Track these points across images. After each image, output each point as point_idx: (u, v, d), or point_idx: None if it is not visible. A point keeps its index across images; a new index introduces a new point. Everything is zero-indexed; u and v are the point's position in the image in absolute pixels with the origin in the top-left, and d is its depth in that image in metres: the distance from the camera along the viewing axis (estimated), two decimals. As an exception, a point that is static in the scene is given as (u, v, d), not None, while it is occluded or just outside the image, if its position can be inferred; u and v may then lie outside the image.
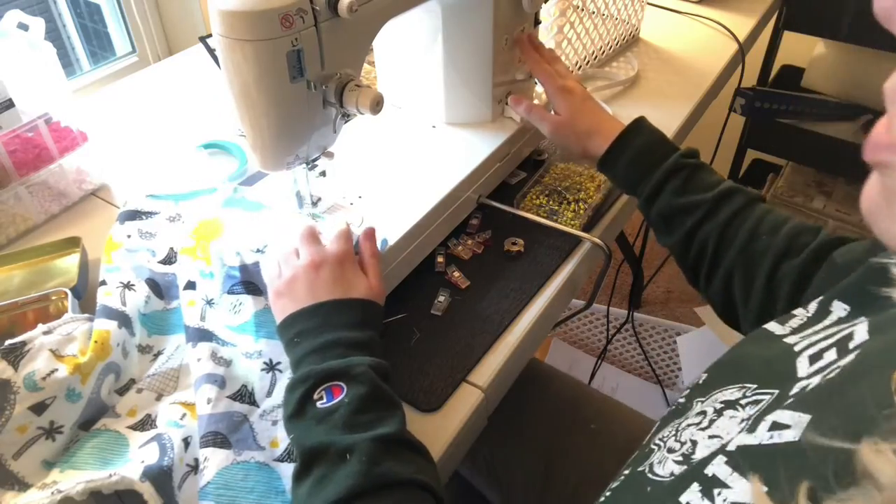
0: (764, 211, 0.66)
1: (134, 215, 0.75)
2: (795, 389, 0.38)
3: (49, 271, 0.71)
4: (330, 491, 0.45)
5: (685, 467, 0.39)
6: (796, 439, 0.33)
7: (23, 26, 0.78)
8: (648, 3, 1.18)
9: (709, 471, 0.35)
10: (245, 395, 0.58)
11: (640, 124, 0.73)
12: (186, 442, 0.54)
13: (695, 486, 0.35)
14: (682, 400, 0.49)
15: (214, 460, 0.52)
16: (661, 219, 0.70)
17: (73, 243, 0.72)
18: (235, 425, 0.55)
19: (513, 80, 0.81)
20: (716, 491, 0.34)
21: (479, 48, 0.75)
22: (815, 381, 0.37)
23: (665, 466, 0.42)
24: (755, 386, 0.43)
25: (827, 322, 0.44)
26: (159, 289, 0.67)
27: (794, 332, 0.45)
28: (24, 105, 0.76)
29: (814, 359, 0.41)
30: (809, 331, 0.44)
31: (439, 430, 0.58)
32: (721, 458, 0.35)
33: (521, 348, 0.66)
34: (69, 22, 1.25)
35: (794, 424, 0.34)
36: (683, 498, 0.35)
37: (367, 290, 0.59)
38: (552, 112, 0.79)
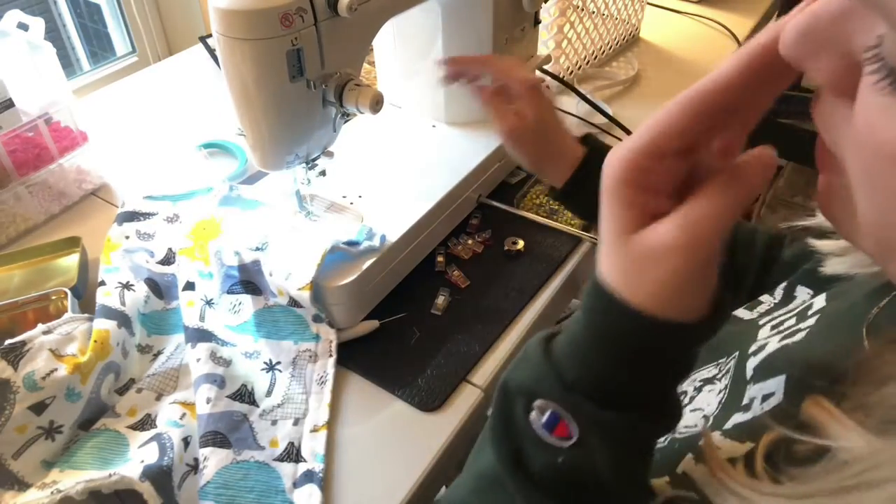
0: None
1: (132, 216, 0.75)
2: (754, 348, 0.41)
3: (49, 271, 0.71)
4: None
5: (668, 436, 0.41)
6: (780, 401, 0.35)
7: (23, 26, 0.78)
8: (648, 3, 1.18)
9: (702, 442, 0.36)
10: (245, 395, 0.57)
11: (596, 146, 0.64)
12: (186, 441, 0.54)
13: (689, 456, 0.37)
14: None
15: (214, 460, 0.52)
16: None
17: (73, 243, 0.72)
18: (235, 425, 0.55)
19: (513, 79, 0.81)
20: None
21: (479, 48, 0.75)
22: (774, 340, 0.39)
23: None
24: (724, 359, 0.45)
25: (792, 305, 0.45)
26: (159, 289, 0.67)
27: (762, 315, 0.47)
28: (24, 105, 0.76)
29: (774, 326, 0.43)
30: (776, 313, 0.46)
31: (439, 429, 0.58)
32: (717, 433, 0.37)
33: (521, 348, 0.66)
34: (69, 22, 1.25)
35: (776, 390, 0.36)
36: (680, 468, 0.37)
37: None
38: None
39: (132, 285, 0.65)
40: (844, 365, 0.30)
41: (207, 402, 0.55)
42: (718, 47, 1.17)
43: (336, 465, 0.56)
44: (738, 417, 0.37)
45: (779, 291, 0.49)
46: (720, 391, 0.42)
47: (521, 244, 0.75)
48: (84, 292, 0.69)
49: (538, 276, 0.72)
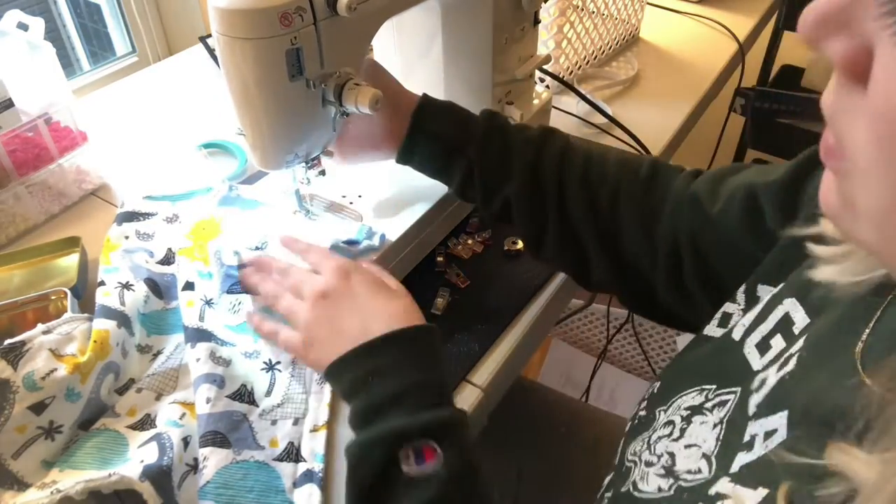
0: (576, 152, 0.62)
1: (131, 217, 0.75)
2: (756, 383, 0.39)
3: (49, 271, 0.71)
4: None
5: (671, 480, 0.40)
6: (784, 438, 0.34)
7: (23, 26, 0.78)
8: (648, 3, 1.18)
9: (712, 491, 0.36)
10: (244, 395, 0.57)
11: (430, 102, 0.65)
12: (186, 441, 0.54)
13: None
14: (642, 413, 0.49)
15: (214, 459, 0.52)
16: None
17: (72, 243, 0.72)
18: (235, 424, 0.55)
19: (513, 79, 0.81)
20: (718, 503, 0.34)
21: (479, 48, 0.75)
22: (772, 372, 0.38)
23: (649, 482, 0.42)
24: (714, 387, 0.43)
25: (759, 308, 0.44)
26: (158, 289, 0.67)
27: (739, 332, 0.45)
28: (24, 105, 0.76)
29: (762, 348, 0.42)
30: (745, 319, 0.44)
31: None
32: (725, 479, 0.36)
33: (520, 348, 0.66)
34: (69, 22, 1.25)
35: (779, 427, 0.35)
36: None
37: (412, 302, 0.54)
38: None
39: (132, 285, 0.65)
40: (847, 401, 0.29)
41: (207, 402, 0.55)
42: (718, 47, 1.17)
43: (336, 465, 0.55)
44: (743, 458, 0.36)
45: (740, 296, 0.47)
46: (715, 425, 0.40)
47: (521, 244, 0.75)
48: (84, 292, 0.69)
49: (538, 276, 0.72)
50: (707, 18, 1.24)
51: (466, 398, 0.61)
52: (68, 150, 0.80)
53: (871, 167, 0.24)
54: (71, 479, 0.50)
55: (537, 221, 0.61)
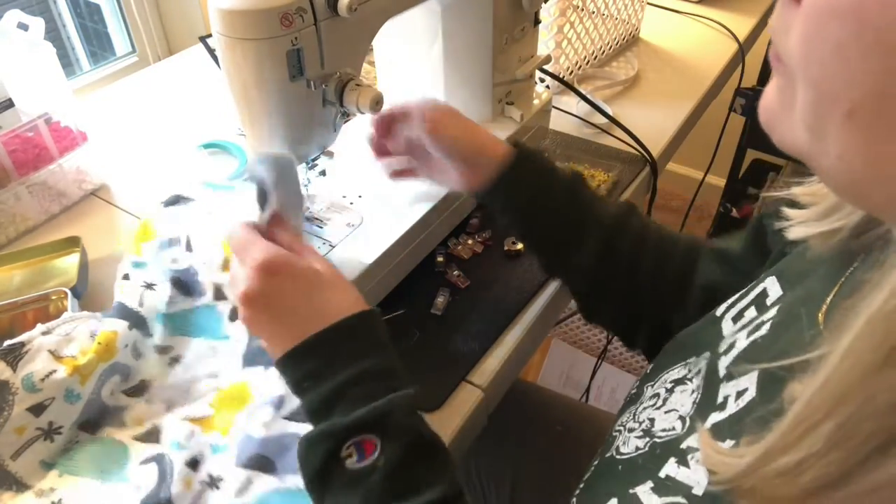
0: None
1: (176, 200, 0.73)
2: (724, 346, 0.42)
3: (49, 271, 0.71)
4: None
5: (647, 439, 0.42)
6: (754, 396, 0.36)
7: (23, 26, 0.78)
8: (648, 3, 1.18)
9: (684, 445, 0.38)
10: (300, 414, 0.56)
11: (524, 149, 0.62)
12: (195, 461, 0.53)
13: (672, 460, 0.38)
14: (633, 391, 0.52)
15: (258, 485, 0.52)
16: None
17: (72, 243, 0.72)
18: (284, 447, 0.54)
19: (513, 79, 0.81)
20: (689, 456, 0.37)
21: (479, 48, 0.75)
22: (742, 336, 0.41)
23: (629, 444, 0.44)
24: (694, 358, 0.45)
25: (742, 290, 0.47)
26: (186, 287, 0.64)
27: (725, 308, 0.48)
28: (24, 105, 0.76)
29: (736, 319, 0.44)
30: (733, 302, 0.47)
31: (439, 429, 0.58)
32: (695, 437, 0.38)
33: (521, 347, 0.66)
34: (69, 22, 1.25)
35: (749, 386, 0.37)
36: (663, 472, 0.38)
37: (348, 288, 0.49)
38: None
39: (154, 285, 0.63)
40: (806, 350, 0.31)
41: (264, 426, 0.54)
42: (718, 47, 1.17)
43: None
44: (715, 417, 0.38)
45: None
46: (693, 391, 0.42)
47: (521, 244, 0.75)
48: (84, 292, 0.69)
49: (538, 276, 0.72)
50: (707, 18, 1.24)
51: (466, 398, 0.61)
52: (68, 150, 0.80)
53: (799, 64, 0.28)
54: (69, 487, 0.50)
55: (600, 292, 0.62)
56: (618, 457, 0.44)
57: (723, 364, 0.41)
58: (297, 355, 0.46)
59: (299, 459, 0.44)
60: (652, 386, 0.48)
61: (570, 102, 0.97)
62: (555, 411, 0.85)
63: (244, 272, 0.47)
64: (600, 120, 0.94)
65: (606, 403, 1.56)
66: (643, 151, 0.88)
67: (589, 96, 0.94)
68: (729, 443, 0.35)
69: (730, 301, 0.47)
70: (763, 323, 0.40)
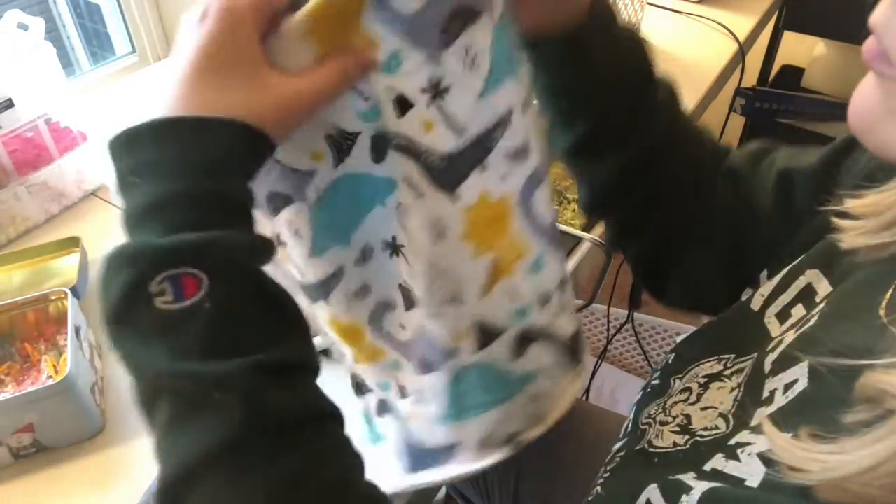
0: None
1: None
2: (771, 345, 0.40)
3: (49, 271, 0.71)
4: (190, 446, 0.30)
5: (687, 437, 0.41)
6: (805, 386, 0.34)
7: (23, 26, 0.78)
8: (648, 3, 1.18)
9: (732, 441, 0.37)
10: None
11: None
12: None
13: (719, 455, 0.36)
14: (655, 382, 0.50)
15: None
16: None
17: (73, 243, 0.72)
18: None
19: (513, 79, 0.81)
20: (739, 451, 0.35)
21: (479, 48, 0.75)
22: (790, 334, 0.39)
23: (663, 438, 0.43)
24: (733, 356, 0.44)
25: (777, 278, 0.45)
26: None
27: (764, 305, 0.46)
28: (24, 105, 0.76)
29: (782, 317, 0.42)
30: (763, 290, 0.45)
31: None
32: (745, 432, 0.37)
33: (521, 348, 0.66)
34: (69, 22, 1.25)
35: (799, 377, 0.35)
36: (708, 465, 0.37)
37: (268, 105, 0.35)
38: None
39: None
40: (872, 341, 0.30)
41: None
42: (718, 47, 1.17)
43: (336, 465, 0.56)
44: (763, 411, 0.37)
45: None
46: (733, 389, 0.41)
47: (521, 244, 0.75)
48: (84, 292, 0.69)
49: (538, 276, 0.72)
50: (707, 18, 1.24)
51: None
52: (68, 150, 0.80)
53: None
54: None
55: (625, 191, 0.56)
56: (651, 449, 0.43)
57: (769, 361, 0.40)
58: (138, 135, 0.35)
59: (101, 276, 0.33)
60: (680, 379, 0.47)
61: (570, 102, 0.97)
62: None
63: None
64: (600, 120, 0.94)
65: (606, 403, 1.56)
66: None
67: (589, 96, 0.94)
68: (786, 435, 0.33)
69: (766, 293, 0.45)
70: (812, 317, 0.39)
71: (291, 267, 0.45)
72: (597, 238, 0.76)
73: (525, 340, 0.46)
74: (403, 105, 0.38)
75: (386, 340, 0.47)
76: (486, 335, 0.45)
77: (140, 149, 0.35)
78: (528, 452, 0.79)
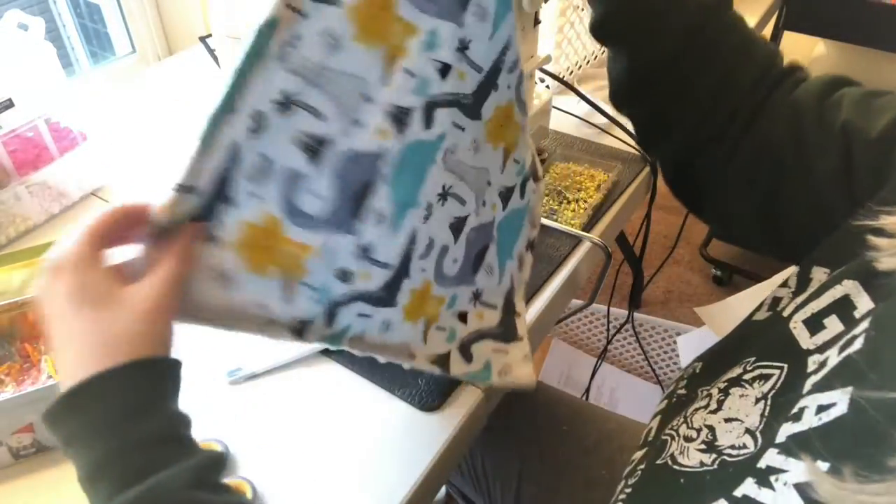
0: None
1: None
2: (812, 365, 0.37)
3: (49, 271, 0.71)
4: None
5: (714, 455, 0.39)
6: (844, 412, 0.33)
7: (23, 26, 0.78)
8: (648, 3, 1.18)
9: (761, 464, 0.35)
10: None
11: None
12: None
13: (749, 480, 0.35)
14: (682, 391, 0.49)
15: None
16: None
17: (72, 243, 0.72)
18: None
19: (513, 79, 0.81)
20: (772, 478, 0.34)
21: (479, 48, 0.75)
22: (834, 353, 0.36)
23: (690, 456, 0.41)
24: (754, 358, 0.42)
25: (811, 289, 0.42)
26: None
27: (784, 308, 0.43)
28: (24, 105, 0.76)
29: (812, 326, 0.39)
30: (797, 300, 0.42)
31: (439, 429, 0.58)
32: (773, 451, 0.35)
33: (521, 348, 0.66)
34: (69, 22, 1.25)
35: (839, 401, 0.33)
36: (739, 491, 0.35)
37: (134, 324, 0.37)
38: None
39: None
40: None
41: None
42: (718, 47, 1.16)
43: (335, 465, 0.56)
44: (789, 428, 0.35)
45: (792, 279, 0.46)
46: (758, 400, 0.39)
47: (521, 244, 0.75)
48: (84, 292, 0.69)
49: (538, 276, 0.72)
50: (707, 18, 1.23)
51: (467, 398, 0.61)
52: (68, 150, 0.80)
53: None
54: None
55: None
56: (676, 468, 0.42)
57: (809, 382, 0.37)
58: (57, 411, 0.36)
59: None
60: (707, 390, 0.45)
61: (570, 102, 0.97)
62: (560, 410, 0.85)
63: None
64: (600, 120, 0.94)
65: (607, 403, 1.56)
66: (643, 151, 0.88)
67: (589, 96, 0.94)
68: (823, 464, 0.32)
69: (797, 301, 0.42)
70: (856, 337, 0.36)
71: (376, 273, 0.47)
72: (597, 238, 0.76)
73: (524, 184, 0.57)
74: (445, 70, 0.44)
75: (445, 284, 0.53)
76: (507, 196, 0.56)
77: (62, 424, 0.36)
78: (529, 453, 0.80)
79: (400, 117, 0.43)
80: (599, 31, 0.57)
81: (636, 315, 1.58)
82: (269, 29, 0.36)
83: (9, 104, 0.74)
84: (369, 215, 0.44)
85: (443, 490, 1.06)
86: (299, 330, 0.45)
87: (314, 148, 0.40)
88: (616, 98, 0.60)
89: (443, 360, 0.53)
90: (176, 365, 0.39)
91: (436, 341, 0.53)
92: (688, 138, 0.55)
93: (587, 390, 1.41)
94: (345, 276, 0.45)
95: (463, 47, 0.44)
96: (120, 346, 0.36)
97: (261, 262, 0.42)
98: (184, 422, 0.39)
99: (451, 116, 0.46)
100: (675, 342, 1.55)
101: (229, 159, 0.39)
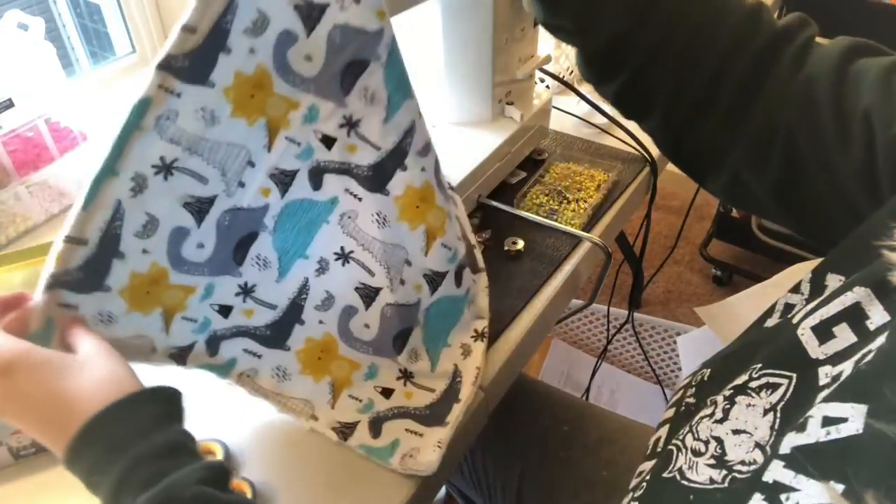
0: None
1: None
2: (825, 378, 0.36)
3: (49, 271, 0.71)
4: None
5: (723, 471, 0.38)
6: (859, 432, 0.31)
7: (23, 26, 0.78)
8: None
9: (767, 477, 0.33)
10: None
11: None
12: None
13: (757, 496, 0.33)
14: (690, 400, 0.47)
15: None
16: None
17: (72, 243, 0.72)
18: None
19: (513, 79, 0.81)
20: (783, 496, 0.32)
21: (479, 48, 0.75)
22: (848, 367, 0.35)
23: (699, 471, 0.40)
24: (760, 365, 0.40)
25: (823, 296, 0.40)
26: None
27: (795, 314, 0.42)
28: (24, 105, 0.76)
29: (821, 334, 0.38)
30: (808, 308, 0.40)
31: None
32: (778, 463, 0.33)
33: (521, 348, 0.66)
34: (69, 22, 1.25)
35: (850, 417, 0.31)
36: None
37: (107, 366, 0.41)
38: None
39: None
40: None
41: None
42: (718, 47, 1.16)
43: (334, 465, 0.56)
44: (794, 438, 0.33)
45: (805, 285, 0.43)
46: (766, 411, 0.37)
47: (521, 244, 0.75)
48: (84, 292, 0.69)
49: (538, 276, 0.72)
50: (707, 18, 1.23)
51: (467, 398, 0.61)
52: (68, 150, 0.80)
53: None
54: None
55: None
56: (685, 483, 0.40)
57: (821, 396, 0.35)
58: (69, 460, 0.40)
59: None
60: (713, 397, 0.44)
61: (570, 102, 0.97)
62: (562, 411, 0.85)
63: None
64: (600, 120, 0.94)
65: (607, 403, 1.56)
66: (643, 151, 0.88)
67: (589, 96, 0.94)
68: (837, 485, 0.30)
69: (807, 308, 0.40)
70: (870, 352, 0.34)
71: (260, 312, 0.53)
72: (597, 238, 0.76)
73: (459, 272, 0.61)
74: (328, 141, 0.49)
75: (356, 346, 0.57)
76: (435, 280, 0.59)
77: (82, 457, 0.39)
78: (530, 454, 0.80)
79: (283, 179, 0.48)
80: (550, 22, 0.56)
81: (636, 315, 1.58)
82: (142, 105, 0.40)
83: (9, 104, 0.74)
84: (252, 260, 0.50)
85: (443, 490, 1.06)
86: (178, 356, 0.50)
87: (198, 207, 0.45)
88: (587, 76, 0.59)
89: (347, 429, 0.56)
90: (177, 393, 0.43)
91: (346, 409, 0.57)
92: (669, 108, 0.53)
93: (587, 390, 1.41)
94: (225, 311, 0.51)
95: (349, 124, 0.50)
96: (111, 388, 0.40)
97: (144, 303, 0.46)
98: (191, 438, 0.42)
99: (344, 184, 0.52)
100: (675, 342, 1.55)
101: (115, 216, 0.42)
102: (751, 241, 1.70)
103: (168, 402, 0.42)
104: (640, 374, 1.61)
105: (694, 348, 1.48)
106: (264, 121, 0.45)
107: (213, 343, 0.52)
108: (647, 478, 0.45)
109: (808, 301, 0.42)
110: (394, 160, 0.52)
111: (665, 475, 0.42)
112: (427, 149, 0.54)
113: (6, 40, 0.76)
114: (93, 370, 0.41)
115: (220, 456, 0.56)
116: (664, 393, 1.53)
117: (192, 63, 0.40)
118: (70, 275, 0.41)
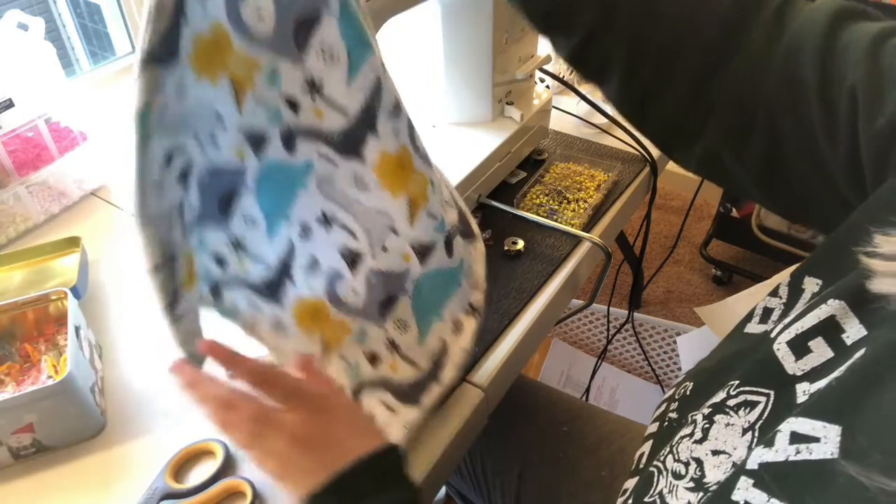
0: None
1: None
2: (803, 396, 0.35)
3: (49, 271, 0.71)
4: None
5: (701, 494, 0.37)
6: (832, 457, 0.29)
7: (23, 26, 0.78)
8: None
9: (737, 496, 0.32)
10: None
11: None
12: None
13: None
14: (673, 415, 0.47)
15: None
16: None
17: (73, 243, 0.72)
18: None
19: (513, 79, 0.81)
20: None
21: (479, 48, 0.75)
22: (822, 383, 0.34)
23: (678, 496, 0.39)
24: (737, 382, 0.39)
25: (797, 309, 0.39)
26: None
27: (773, 325, 0.41)
28: (24, 105, 0.76)
29: (797, 349, 0.36)
30: (788, 322, 0.39)
31: (439, 429, 0.58)
32: (747, 481, 0.32)
33: (521, 348, 0.66)
34: (69, 22, 1.25)
35: (822, 438, 0.30)
36: None
37: (359, 415, 0.46)
38: None
39: None
40: None
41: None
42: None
43: (336, 465, 0.56)
44: (762, 454, 0.32)
45: (783, 288, 0.43)
46: (745, 430, 0.37)
47: (521, 244, 0.75)
48: (84, 292, 0.69)
49: (538, 276, 0.72)
50: (707, 18, 1.23)
51: (467, 398, 0.61)
52: (68, 150, 0.80)
53: None
54: None
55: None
56: None
57: (796, 413, 0.33)
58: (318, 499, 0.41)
59: None
60: (694, 415, 0.43)
61: (570, 102, 0.97)
62: (561, 412, 0.85)
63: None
64: (600, 120, 0.94)
65: (607, 403, 1.56)
66: (643, 151, 0.88)
67: (589, 96, 0.94)
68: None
69: (785, 322, 0.38)
70: (846, 370, 0.33)
71: (254, 267, 0.53)
72: (597, 238, 0.76)
73: (449, 241, 0.58)
74: (294, 105, 0.48)
75: (345, 311, 0.56)
76: (424, 251, 0.56)
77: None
78: (529, 454, 0.80)
79: (256, 140, 0.48)
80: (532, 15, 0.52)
81: (636, 315, 1.58)
82: (145, 112, 0.40)
83: (9, 104, 0.74)
84: (238, 215, 0.50)
85: (442, 490, 1.06)
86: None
87: (184, 173, 0.46)
88: (572, 63, 0.53)
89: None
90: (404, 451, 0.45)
91: (336, 369, 0.56)
92: (625, 75, 0.49)
93: (587, 390, 1.41)
94: (220, 261, 0.51)
95: (311, 87, 0.48)
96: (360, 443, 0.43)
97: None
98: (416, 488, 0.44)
99: (317, 148, 0.50)
100: (675, 342, 1.55)
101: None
102: (751, 241, 1.70)
103: (398, 458, 0.44)
104: (640, 374, 1.61)
105: (694, 348, 1.48)
106: (228, 80, 0.44)
107: (216, 290, 0.53)
108: (630, 501, 0.44)
109: (786, 305, 0.41)
110: (363, 125, 0.50)
111: (646, 500, 0.42)
112: (398, 109, 0.52)
113: (6, 40, 0.76)
114: (346, 415, 0.45)
115: (220, 456, 0.56)
116: (664, 393, 1.53)
117: (166, 46, 0.39)
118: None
